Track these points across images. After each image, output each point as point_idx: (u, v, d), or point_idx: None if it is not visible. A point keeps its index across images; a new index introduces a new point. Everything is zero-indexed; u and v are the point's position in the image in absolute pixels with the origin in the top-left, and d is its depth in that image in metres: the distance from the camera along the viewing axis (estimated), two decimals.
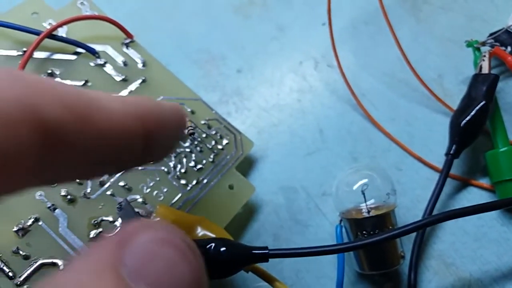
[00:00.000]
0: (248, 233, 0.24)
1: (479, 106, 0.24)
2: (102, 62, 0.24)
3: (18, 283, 0.19)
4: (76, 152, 0.11)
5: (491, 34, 0.28)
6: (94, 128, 0.11)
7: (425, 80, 0.26)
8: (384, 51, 0.29)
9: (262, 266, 0.20)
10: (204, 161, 0.24)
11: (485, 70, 0.25)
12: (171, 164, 0.23)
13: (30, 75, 0.11)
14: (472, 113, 0.24)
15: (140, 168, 0.22)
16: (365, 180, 0.22)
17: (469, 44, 0.27)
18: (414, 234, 0.23)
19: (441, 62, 0.29)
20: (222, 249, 0.19)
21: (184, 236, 0.13)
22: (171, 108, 0.15)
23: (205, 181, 0.23)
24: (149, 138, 0.13)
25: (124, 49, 0.25)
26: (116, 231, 0.12)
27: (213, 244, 0.19)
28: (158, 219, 0.20)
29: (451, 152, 0.24)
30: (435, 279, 0.23)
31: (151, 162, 0.17)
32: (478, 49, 0.27)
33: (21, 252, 0.19)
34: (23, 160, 0.10)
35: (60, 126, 0.11)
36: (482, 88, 0.24)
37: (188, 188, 0.23)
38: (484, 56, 0.25)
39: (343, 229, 0.22)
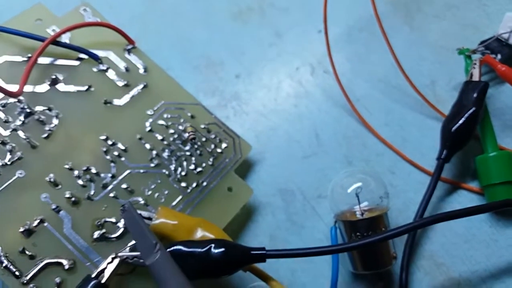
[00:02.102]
0: (246, 233, 0.25)
1: (469, 112, 0.25)
2: (104, 68, 0.25)
3: (25, 282, 0.19)
4: None
5: (482, 42, 0.28)
6: None
7: (418, 86, 0.27)
8: (378, 58, 0.30)
9: (259, 266, 0.21)
10: (204, 164, 0.25)
11: (476, 77, 0.26)
12: (172, 167, 0.24)
13: None
14: (463, 119, 0.25)
15: (142, 171, 0.23)
16: (359, 184, 0.23)
17: (461, 52, 0.28)
18: (406, 235, 0.24)
19: (433, 69, 0.29)
20: (222, 249, 0.20)
21: None
22: None
23: (204, 183, 0.24)
24: None
25: (126, 55, 0.26)
26: None
27: (212, 245, 0.20)
28: (160, 220, 0.21)
29: (442, 156, 0.25)
30: (426, 279, 0.24)
31: None
32: (469, 56, 0.28)
33: (27, 252, 0.20)
34: None
35: None
36: (472, 95, 0.25)
37: (189, 190, 0.24)
38: (475, 63, 0.26)
39: (338, 231, 0.23)
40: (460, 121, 0.25)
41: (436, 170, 0.25)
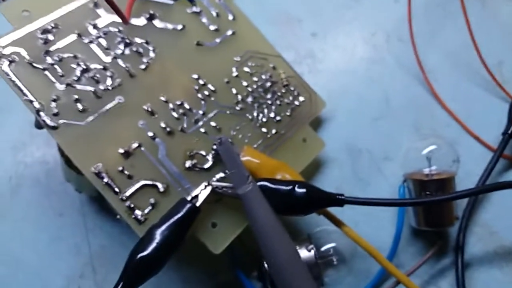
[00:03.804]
0: (314, 183, 0.26)
1: None
2: (198, 11, 0.26)
3: (123, 198, 0.21)
4: None
5: None
6: None
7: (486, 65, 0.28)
8: (451, 33, 0.31)
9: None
10: (282, 114, 0.26)
11: None
12: (255, 113, 0.25)
13: None
14: None
15: (228, 112, 0.25)
16: (433, 147, 0.24)
17: None
18: (464, 202, 0.26)
19: (502, 50, 0.30)
20: (304, 190, 0.21)
21: None
22: None
23: (282, 131, 0.26)
24: None
25: (217, 1, 0.27)
26: None
27: (296, 185, 0.21)
28: (246, 158, 0.23)
29: (509, 131, 0.26)
30: (479, 244, 0.25)
31: None
32: None
33: (125, 172, 0.21)
34: None
35: None
36: None
37: (268, 136, 0.25)
38: None
39: (406, 190, 0.25)
40: None
41: (501, 144, 0.26)
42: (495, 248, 0.25)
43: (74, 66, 0.22)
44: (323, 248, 0.24)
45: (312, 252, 0.23)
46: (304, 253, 0.23)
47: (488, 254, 0.25)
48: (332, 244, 0.24)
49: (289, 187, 0.21)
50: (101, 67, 0.22)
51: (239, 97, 0.25)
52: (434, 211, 0.24)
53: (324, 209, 0.23)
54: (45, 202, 0.25)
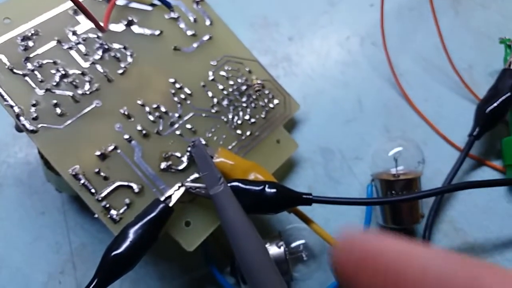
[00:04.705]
0: (287, 183, 0.28)
1: (504, 97, 0.27)
2: (175, 16, 0.27)
3: (99, 199, 0.22)
4: None
5: None
6: None
7: (456, 68, 0.29)
8: (424, 37, 0.32)
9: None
10: (257, 116, 0.27)
11: None
12: (230, 115, 0.26)
13: None
14: (498, 102, 0.27)
15: (204, 115, 0.25)
16: (399, 149, 0.25)
17: (502, 41, 0.30)
18: (431, 200, 0.27)
19: (472, 54, 0.31)
20: (274, 190, 0.22)
21: None
22: None
23: (257, 133, 0.27)
24: None
25: (195, 6, 0.28)
26: None
27: (267, 185, 0.23)
28: (220, 159, 0.24)
29: (474, 133, 0.27)
30: (444, 240, 0.26)
31: None
32: (510, 46, 0.30)
33: (101, 174, 0.22)
34: None
35: None
36: (509, 82, 0.27)
37: (243, 138, 0.26)
38: None
39: (374, 189, 0.26)
40: (495, 104, 0.27)
41: (466, 145, 0.27)
42: (460, 244, 0.26)
43: (53, 71, 0.23)
44: (293, 245, 0.25)
45: (282, 248, 0.24)
46: (274, 249, 0.24)
47: (453, 250, 0.26)
48: (302, 241, 0.25)
49: (260, 187, 0.22)
50: (79, 72, 0.23)
51: (215, 100, 0.26)
52: (400, 210, 0.25)
53: (294, 208, 0.24)
54: (27, 202, 0.26)
